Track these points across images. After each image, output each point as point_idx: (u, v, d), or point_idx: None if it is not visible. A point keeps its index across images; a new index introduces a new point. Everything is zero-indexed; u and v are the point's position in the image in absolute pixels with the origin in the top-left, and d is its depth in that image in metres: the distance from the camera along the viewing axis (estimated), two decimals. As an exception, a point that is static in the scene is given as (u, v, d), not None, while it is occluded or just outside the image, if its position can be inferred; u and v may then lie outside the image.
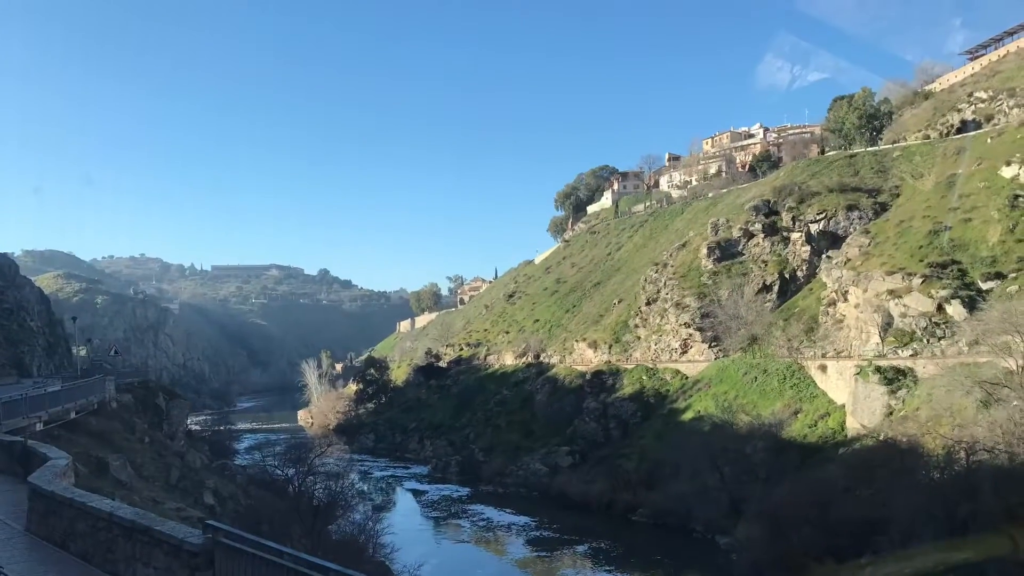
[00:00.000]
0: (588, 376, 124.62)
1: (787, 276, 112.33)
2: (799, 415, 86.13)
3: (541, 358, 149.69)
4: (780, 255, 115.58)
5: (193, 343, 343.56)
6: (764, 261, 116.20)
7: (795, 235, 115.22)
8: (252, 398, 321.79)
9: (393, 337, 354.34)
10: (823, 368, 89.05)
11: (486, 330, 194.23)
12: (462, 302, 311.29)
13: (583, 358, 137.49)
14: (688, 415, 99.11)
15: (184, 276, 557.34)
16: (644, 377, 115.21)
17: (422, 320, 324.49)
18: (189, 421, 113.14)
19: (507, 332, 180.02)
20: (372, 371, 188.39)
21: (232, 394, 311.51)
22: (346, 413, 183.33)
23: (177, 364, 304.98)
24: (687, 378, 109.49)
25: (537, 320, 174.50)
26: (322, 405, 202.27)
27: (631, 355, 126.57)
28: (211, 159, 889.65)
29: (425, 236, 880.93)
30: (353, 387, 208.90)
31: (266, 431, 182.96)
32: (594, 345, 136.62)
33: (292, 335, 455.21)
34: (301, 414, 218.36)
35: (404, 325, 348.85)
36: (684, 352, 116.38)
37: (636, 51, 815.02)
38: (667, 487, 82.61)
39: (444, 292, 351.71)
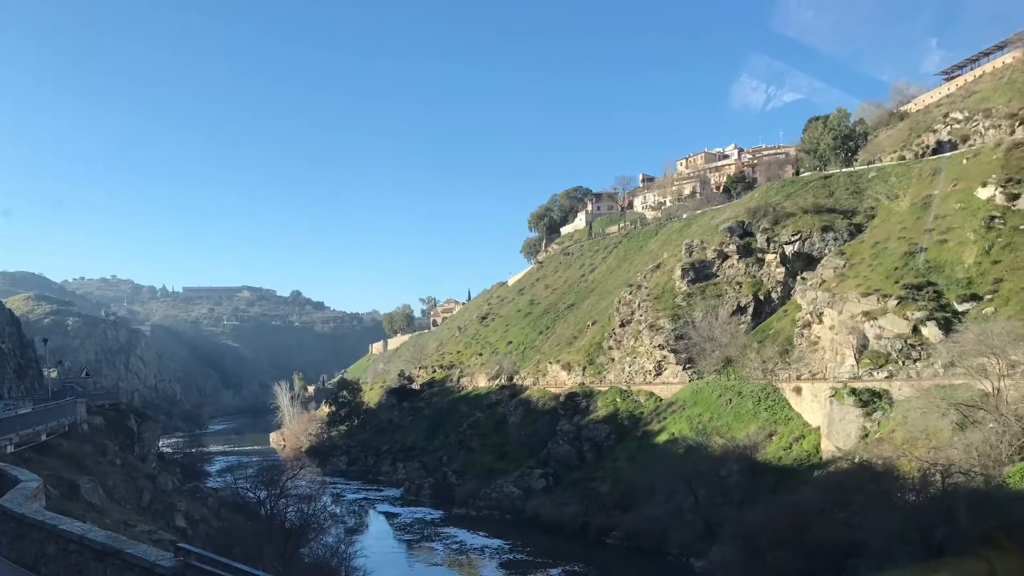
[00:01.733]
0: (562, 398, 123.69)
1: (762, 298, 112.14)
2: (774, 437, 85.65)
3: (515, 380, 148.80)
4: (755, 276, 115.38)
5: (165, 365, 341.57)
6: (739, 282, 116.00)
7: (770, 256, 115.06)
8: (224, 420, 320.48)
9: (366, 359, 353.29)
10: (798, 390, 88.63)
11: (459, 352, 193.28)
12: (435, 324, 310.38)
13: (557, 380, 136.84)
14: (662, 437, 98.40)
15: (156, 298, 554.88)
16: (618, 399, 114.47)
17: (395, 342, 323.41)
18: (161, 443, 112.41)
19: (480, 354, 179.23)
20: (344, 393, 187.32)
21: (204, 416, 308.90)
22: (318, 435, 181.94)
23: (149, 386, 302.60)
24: (661, 400, 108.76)
25: (510, 342, 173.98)
26: (294, 427, 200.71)
27: (605, 377, 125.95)
28: (182, 180, 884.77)
29: (398, 257, 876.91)
30: (325, 409, 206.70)
31: (238, 453, 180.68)
32: (568, 367, 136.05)
33: (264, 357, 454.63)
34: (273, 436, 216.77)
35: (377, 347, 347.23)
36: (658, 374, 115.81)
37: (610, 72, 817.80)
38: (641, 510, 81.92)
39: (417, 314, 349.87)
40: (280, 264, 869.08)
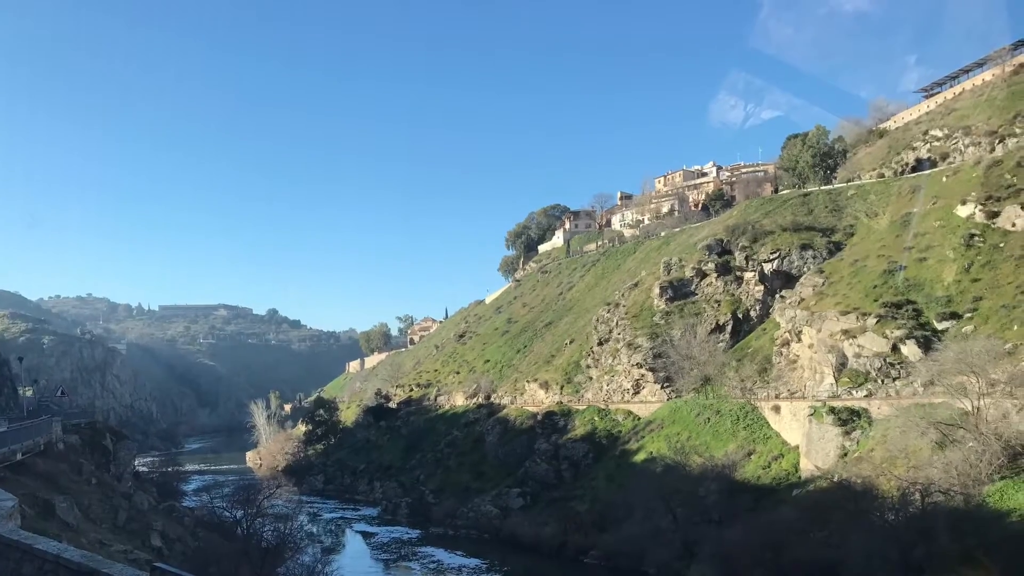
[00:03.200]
0: (540, 417, 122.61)
1: (740, 316, 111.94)
2: (753, 456, 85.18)
3: (492, 399, 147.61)
4: (733, 295, 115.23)
5: (141, 384, 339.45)
6: (717, 300, 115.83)
7: (748, 274, 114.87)
8: (200, 439, 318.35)
9: (342, 378, 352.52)
10: (776, 409, 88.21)
11: (436, 370, 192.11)
12: (412, 342, 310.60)
13: (534, 399, 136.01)
14: (641, 456, 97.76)
15: (131, 316, 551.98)
16: (596, 418, 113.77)
17: (372, 360, 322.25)
18: (136, 462, 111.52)
19: (458, 372, 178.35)
20: (321, 412, 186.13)
21: (180, 435, 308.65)
22: (295, 454, 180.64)
23: (124, 405, 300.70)
24: (639, 419, 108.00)
25: (488, 360, 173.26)
26: (271, 446, 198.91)
27: (583, 396, 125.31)
28: (158, 198, 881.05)
29: (375, 276, 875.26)
30: (302, 428, 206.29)
31: (214, 472, 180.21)
32: (545, 386, 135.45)
33: (241, 376, 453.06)
34: (249, 455, 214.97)
35: (354, 365, 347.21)
36: (636, 393, 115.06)
37: (588, 89, 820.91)
38: (620, 529, 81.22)
39: (394, 332, 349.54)
40: (256, 282, 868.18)
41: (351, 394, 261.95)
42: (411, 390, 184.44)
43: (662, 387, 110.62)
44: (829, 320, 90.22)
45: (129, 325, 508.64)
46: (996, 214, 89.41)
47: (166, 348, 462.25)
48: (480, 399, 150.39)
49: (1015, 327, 72.22)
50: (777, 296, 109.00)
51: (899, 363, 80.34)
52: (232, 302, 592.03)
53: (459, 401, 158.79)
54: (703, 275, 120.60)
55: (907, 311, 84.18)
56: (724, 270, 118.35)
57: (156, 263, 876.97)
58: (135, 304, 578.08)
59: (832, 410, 77.35)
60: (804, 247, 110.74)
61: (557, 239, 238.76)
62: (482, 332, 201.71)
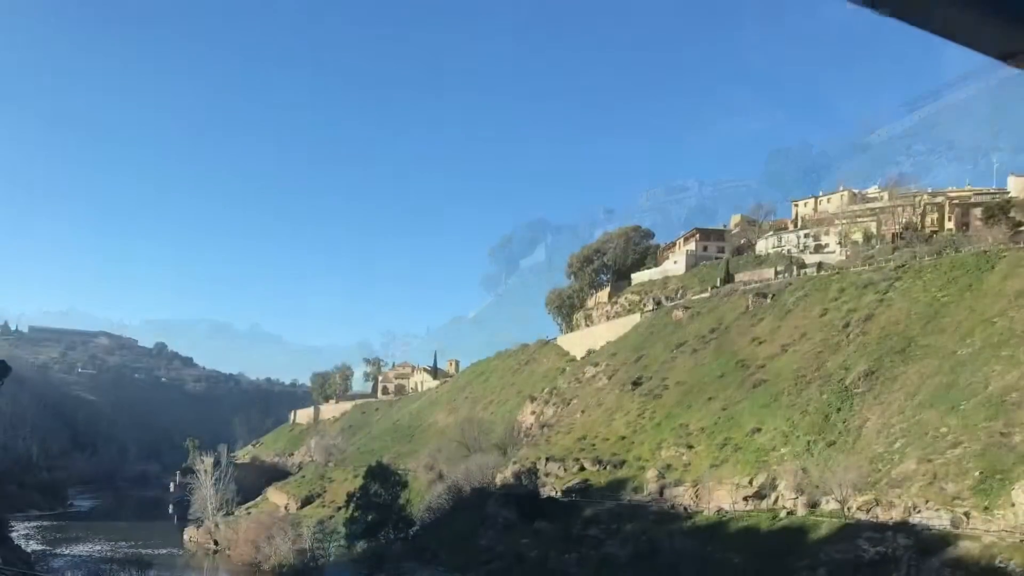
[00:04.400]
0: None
1: None
2: None
3: (821, 504, 75.68)
4: None
5: (19, 416, 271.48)
6: None
7: None
8: (88, 494, 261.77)
9: (286, 428, 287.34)
10: None
11: (626, 438, 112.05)
12: (385, 391, 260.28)
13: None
14: None
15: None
16: None
17: (332, 410, 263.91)
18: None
19: (689, 448, 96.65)
20: (377, 487, 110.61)
21: (64, 487, 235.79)
22: (308, 551, 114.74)
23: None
24: None
25: (760, 430, 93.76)
26: (246, 528, 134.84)
27: None
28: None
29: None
30: (284, 499, 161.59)
31: (166, 571, 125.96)
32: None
33: (124, 414, 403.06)
34: (192, 535, 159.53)
35: (304, 415, 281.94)
36: None
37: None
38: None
39: (357, 376, 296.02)
40: (137, 308, 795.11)
41: (323, 454, 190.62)
42: (562, 466, 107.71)
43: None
44: None
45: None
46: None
47: (37, 375, 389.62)
48: (793, 503, 78.19)
49: None
50: None
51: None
52: (114, 331, 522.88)
53: (725, 501, 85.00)
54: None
55: None
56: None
57: (25, 274, 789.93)
58: (0, 322, 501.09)
59: None
60: None
61: (670, 263, 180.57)
62: (684, 379, 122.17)
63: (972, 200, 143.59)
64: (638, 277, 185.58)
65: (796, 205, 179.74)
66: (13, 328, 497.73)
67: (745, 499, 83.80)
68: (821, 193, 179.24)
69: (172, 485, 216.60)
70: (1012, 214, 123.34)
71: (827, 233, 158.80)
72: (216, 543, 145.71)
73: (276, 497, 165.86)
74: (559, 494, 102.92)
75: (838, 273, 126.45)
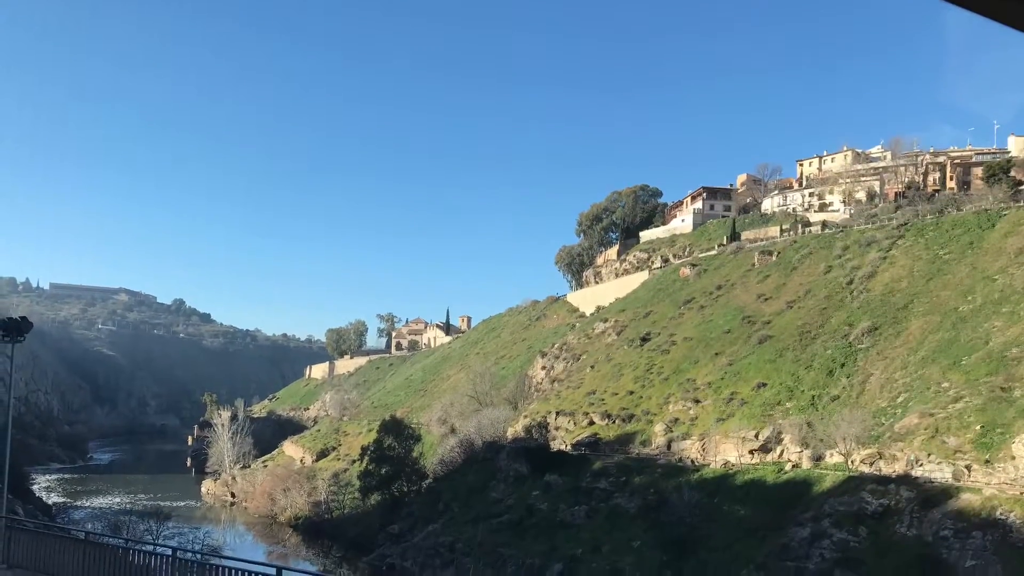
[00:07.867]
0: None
1: None
2: None
3: (825, 457, 77.34)
4: None
5: (41, 372, 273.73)
6: None
7: None
8: (108, 447, 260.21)
9: (301, 383, 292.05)
10: None
11: (634, 393, 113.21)
12: (399, 347, 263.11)
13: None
14: None
15: (16, 292, 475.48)
16: None
17: (346, 365, 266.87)
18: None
19: (696, 402, 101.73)
20: (391, 440, 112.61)
21: (84, 441, 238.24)
22: (323, 503, 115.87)
23: (16, 397, 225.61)
24: None
25: (766, 384, 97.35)
26: (262, 481, 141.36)
27: None
28: (43, 170, 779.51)
29: (293, 277, 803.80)
30: (300, 453, 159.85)
31: (182, 520, 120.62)
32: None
33: (143, 370, 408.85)
34: (209, 487, 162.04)
35: (318, 370, 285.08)
36: None
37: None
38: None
39: (371, 332, 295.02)
40: (159, 269, 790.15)
41: (338, 409, 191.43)
42: (572, 420, 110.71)
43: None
44: None
45: (14, 302, 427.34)
46: None
47: (57, 331, 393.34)
48: (798, 456, 79.85)
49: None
50: None
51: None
52: (134, 287, 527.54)
53: (731, 454, 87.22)
54: None
55: None
56: None
57: (47, 238, 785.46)
58: (22, 279, 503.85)
59: None
60: None
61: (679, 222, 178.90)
62: (692, 335, 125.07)
63: (973, 160, 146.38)
64: (646, 235, 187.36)
65: (801, 164, 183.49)
66: (35, 285, 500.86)
67: (751, 452, 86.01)
68: (825, 152, 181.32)
69: (190, 439, 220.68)
70: (1012, 173, 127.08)
71: (831, 192, 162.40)
72: (233, 495, 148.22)
73: (292, 450, 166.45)
74: (569, 448, 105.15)
75: (842, 231, 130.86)
